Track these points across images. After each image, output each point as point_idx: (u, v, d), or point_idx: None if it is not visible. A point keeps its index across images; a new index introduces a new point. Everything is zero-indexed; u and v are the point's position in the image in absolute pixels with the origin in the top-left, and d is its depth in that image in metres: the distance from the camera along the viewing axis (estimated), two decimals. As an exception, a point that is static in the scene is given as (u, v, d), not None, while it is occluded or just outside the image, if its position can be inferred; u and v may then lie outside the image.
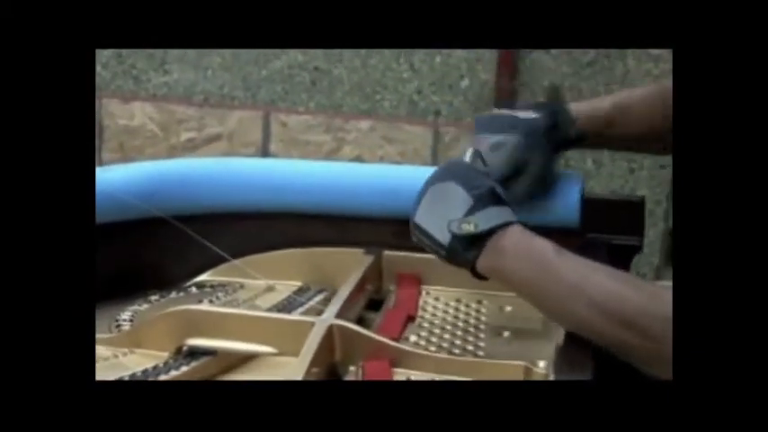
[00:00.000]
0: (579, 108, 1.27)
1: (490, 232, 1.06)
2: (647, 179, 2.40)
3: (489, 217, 1.07)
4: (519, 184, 1.23)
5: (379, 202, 1.36)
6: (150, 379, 1.09)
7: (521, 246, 1.06)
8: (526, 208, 1.27)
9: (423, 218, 1.12)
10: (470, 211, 1.07)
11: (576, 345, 1.03)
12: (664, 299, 0.92)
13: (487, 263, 1.07)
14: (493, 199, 1.09)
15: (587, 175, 2.42)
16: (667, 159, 2.38)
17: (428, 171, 1.40)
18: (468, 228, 1.06)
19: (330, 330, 1.11)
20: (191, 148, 2.66)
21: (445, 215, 1.09)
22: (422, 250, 1.30)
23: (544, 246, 1.05)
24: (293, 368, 1.03)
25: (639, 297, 0.96)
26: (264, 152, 2.59)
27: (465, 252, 1.07)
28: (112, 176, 1.35)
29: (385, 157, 2.49)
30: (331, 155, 2.53)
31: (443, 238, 1.09)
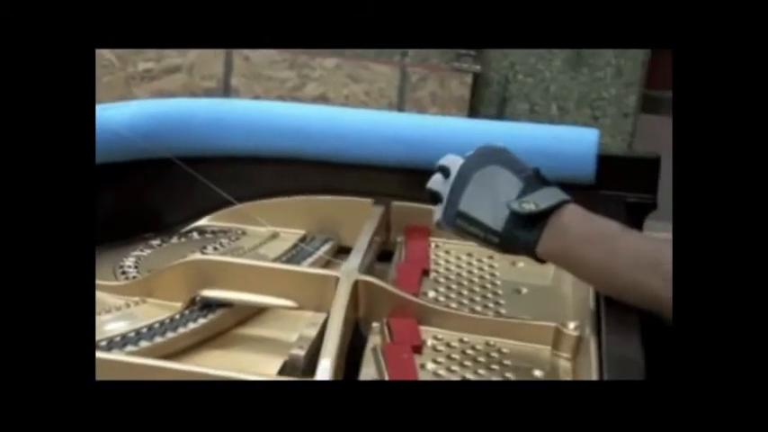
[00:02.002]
0: None
1: (551, 210, 1.00)
2: (609, 127, 2.39)
3: (546, 196, 1.01)
4: None
5: (388, 150, 1.31)
6: (169, 331, 1.04)
7: (584, 223, 1.01)
8: (536, 161, 1.24)
9: (470, 205, 1.03)
10: (523, 194, 1.02)
11: (618, 308, 0.99)
12: None
13: (550, 243, 1.00)
14: (541, 180, 1.04)
15: (551, 122, 2.39)
16: (630, 108, 2.37)
17: (436, 120, 1.37)
18: (530, 207, 1.00)
19: (355, 285, 1.06)
20: (148, 78, 2.57)
21: (496, 200, 1.02)
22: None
23: (608, 222, 1.01)
24: (330, 323, 1.00)
25: None
26: (226, 87, 2.51)
27: (526, 234, 1.01)
28: (112, 114, 1.28)
29: (350, 96, 2.43)
30: (294, 92, 2.46)
31: (496, 224, 1.02)
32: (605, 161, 1.26)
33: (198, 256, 1.14)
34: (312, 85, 2.45)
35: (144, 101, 1.33)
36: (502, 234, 1.02)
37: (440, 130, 1.32)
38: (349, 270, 1.10)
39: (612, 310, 0.98)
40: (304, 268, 1.15)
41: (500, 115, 2.41)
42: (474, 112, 2.40)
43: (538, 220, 1.00)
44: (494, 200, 1.02)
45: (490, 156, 1.06)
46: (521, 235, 1.01)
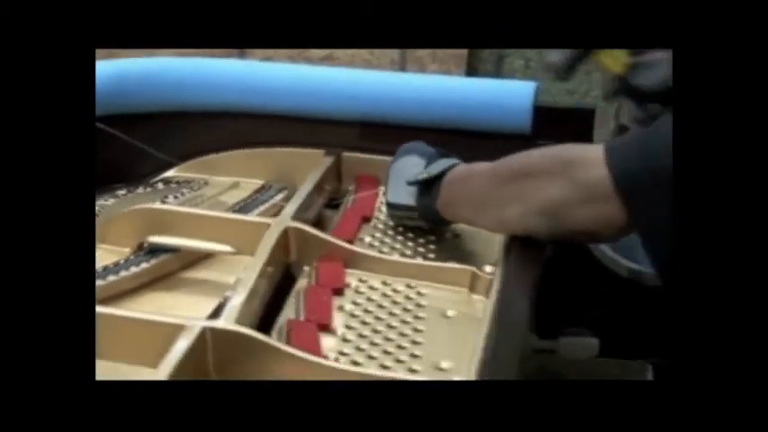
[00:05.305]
0: None
1: (442, 174, 1.05)
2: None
3: (439, 165, 1.07)
4: None
5: (343, 105, 1.30)
6: (111, 275, 1.03)
7: (464, 172, 1.05)
8: (476, 113, 1.23)
9: (392, 195, 1.13)
10: (424, 169, 1.09)
11: (522, 249, 0.99)
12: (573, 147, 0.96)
13: (443, 200, 1.05)
14: (442, 155, 1.10)
15: (515, 74, 2.35)
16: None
17: (391, 76, 1.35)
18: (423, 175, 1.07)
19: (285, 232, 1.05)
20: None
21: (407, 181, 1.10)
22: (381, 152, 1.25)
23: (481, 163, 1.03)
24: (249, 266, 0.98)
25: (556, 148, 0.98)
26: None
27: (429, 199, 1.07)
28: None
29: (355, 55, 2.40)
30: (303, 51, 2.42)
31: (411, 200, 1.10)
32: (541, 112, 1.23)
33: (144, 204, 1.13)
34: (320, 44, 2.42)
35: (116, 60, 1.32)
36: (417, 207, 1.09)
37: (389, 85, 1.30)
38: (282, 217, 1.09)
39: (516, 249, 0.96)
40: (239, 216, 1.14)
41: (497, 71, 2.37)
42: (472, 68, 2.36)
43: (432, 185, 1.06)
44: (405, 183, 1.10)
45: (403, 150, 1.14)
46: (426, 202, 1.07)
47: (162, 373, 0.79)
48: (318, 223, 1.21)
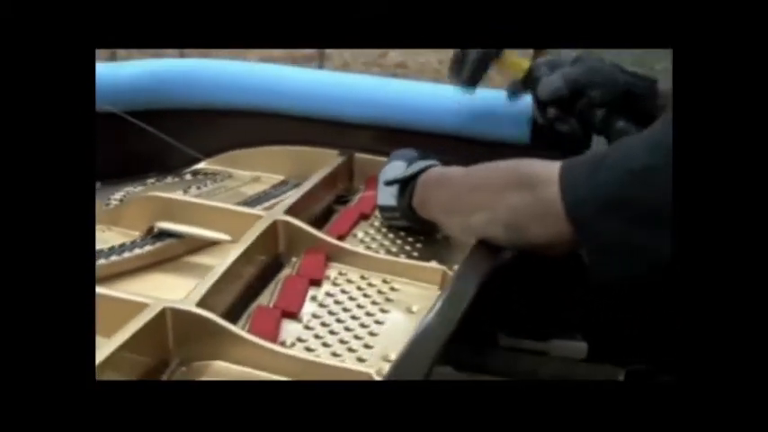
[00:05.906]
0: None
1: (417, 174, 1.09)
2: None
3: (415, 166, 1.11)
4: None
5: (360, 110, 1.35)
6: (114, 255, 1.09)
7: (437, 174, 1.08)
8: (479, 122, 1.24)
9: (380, 198, 1.16)
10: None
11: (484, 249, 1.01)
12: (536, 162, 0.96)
13: (418, 198, 1.09)
14: (422, 157, 1.13)
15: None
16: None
17: (402, 84, 1.38)
18: (399, 176, 1.11)
19: (275, 224, 1.09)
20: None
21: None
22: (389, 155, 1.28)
23: (457, 168, 1.06)
24: (232, 252, 1.02)
25: (522, 162, 0.98)
26: (321, 53, 2.53)
27: (405, 198, 1.10)
28: (129, 71, 1.36)
29: (426, 63, 2.42)
30: (379, 59, 2.47)
31: (393, 201, 1.13)
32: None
33: (153, 192, 1.19)
34: (393, 53, 2.45)
35: (153, 59, 1.38)
36: (397, 207, 1.12)
37: (405, 93, 1.33)
38: (273, 210, 1.12)
39: (480, 248, 0.98)
40: (235, 207, 1.18)
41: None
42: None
43: (408, 184, 1.10)
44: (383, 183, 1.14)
45: (391, 156, 1.17)
46: (404, 201, 1.11)
47: (114, 343, 0.83)
48: (327, 218, 1.25)
